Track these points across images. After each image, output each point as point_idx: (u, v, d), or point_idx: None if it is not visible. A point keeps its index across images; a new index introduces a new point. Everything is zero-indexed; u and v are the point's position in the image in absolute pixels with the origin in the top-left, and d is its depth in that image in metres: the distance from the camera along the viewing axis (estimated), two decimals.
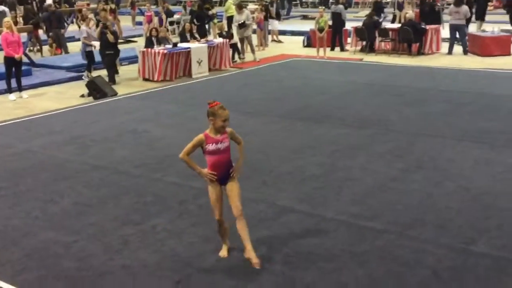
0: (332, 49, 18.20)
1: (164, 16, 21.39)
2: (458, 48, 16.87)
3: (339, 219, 5.73)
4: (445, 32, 18.16)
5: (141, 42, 18.77)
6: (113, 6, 22.15)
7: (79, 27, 17.09)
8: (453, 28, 16.80)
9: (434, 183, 6.64)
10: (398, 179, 6.79)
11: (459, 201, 6.10)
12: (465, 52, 16.73)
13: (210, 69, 14.99)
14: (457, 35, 16.88)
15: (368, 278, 4.62)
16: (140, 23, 24.08)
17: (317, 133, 8.85)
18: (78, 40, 14.72)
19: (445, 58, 16.32)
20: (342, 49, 18.34)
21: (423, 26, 16.96)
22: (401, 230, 5.46)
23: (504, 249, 5.03)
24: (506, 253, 4.96)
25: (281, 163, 7.48)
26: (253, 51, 16.85)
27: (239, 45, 16.99)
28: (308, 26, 21.09)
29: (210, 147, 4.71)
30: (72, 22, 23.20)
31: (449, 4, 20.74)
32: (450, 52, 16.87)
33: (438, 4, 19.66)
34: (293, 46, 19.43)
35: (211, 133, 4.73)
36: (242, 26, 16.55)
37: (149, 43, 14.65)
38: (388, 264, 4.84)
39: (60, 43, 18.25)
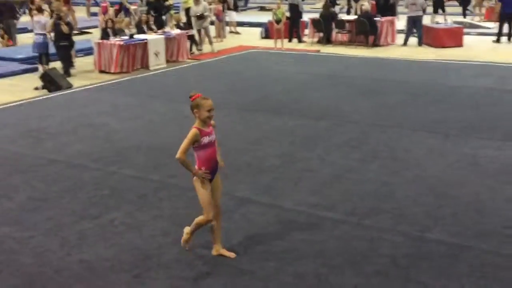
0: (290, 41, 18.28)
1: (129, 6, 20.97)
2: (412, 40, 17.17)
3: (298, 210, 5.79)
4: (399, 23, 18.46)
5: (96, 33, 18.44)
6: None
7: (32, 17, 16.66)
8: (411, 20, 17.09)
9: (390, 172, 6.77)
10: (355, 169, 6.89)
11: (415, 190, 6.23)
12: (420, 43, 17.05)
13: (167, 61, 14.87)
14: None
15: (327, 268, 4.69)
16: (95, 14, 23.65)
17: (276, 124, 8.90)
18: (31, 31, 14.35)
19: (400, 49, 16.59)
20: (300, 41, 18.44)
21: (376, 19, 17.20)
22: (359, 219, 5.55)
23: (458, 236, 5.18)
24: (460, 240, 5.10)
25: (240, 155, 7.49)
26: (211, 42, 16.79)
27: (196, 36, 16.89)
28: (265, 17, 21.11)
29: (205, 140, 4.56)
30: (25, 13, 22.62)
31: None
32: (405, 43, 17.16)
33: None
34: (251, 38, 19.42)
35: (200, 126, 4.58)
36: (201, 17, 16.45)
37: (104, 35, 14.42)
38: (346, 253, 4.91)
39: (11, 34, 17.77)
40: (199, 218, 4.72)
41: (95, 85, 12.24)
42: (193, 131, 4.54)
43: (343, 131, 8.44)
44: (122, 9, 20.52)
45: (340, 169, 6.90)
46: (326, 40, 17.81)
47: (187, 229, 4.87)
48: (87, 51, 15.98)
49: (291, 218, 5.61)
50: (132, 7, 22.51)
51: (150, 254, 4.96)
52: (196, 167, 4.61)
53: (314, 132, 8.43)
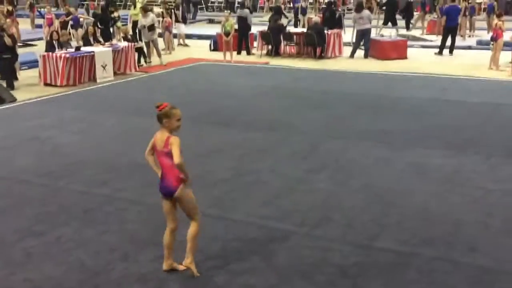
0: (239, 53, 18.36)
1: (81, 16, 20.58)
2: (358, 52, 17.53)
3: (248, 221, 5.79)
4: (346, 36, 18.83)
5: (41, 45, 18.06)
6: (10, 8, 21.16)
7: None
8: (360, 34, 17.47)
9: (339, 182, 6.87)
10: (305, 180, 6.95)
11: (363, 199, 6.33)
12: (366, 55, 17.42)
13: (115, 74, 14.67)
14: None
15: (278, 279, 4.70)
16: (40, 26, 23.19)
17: (226, 137, 8.90)
18: None
19: (347, 61, 16.89)
20: (248, 53, 18.55)
21: (325, 31, 17.51)
22: (308, 229, 5.60)
23: (406, 244, 5.29)
24: (407, 248, 5.21)
25: (190, 168, 7.40)
26: (159, 55, 16.68)
27: (145, 49, 16.76)
28: (214, 30, 21.15)
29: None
30: None
31: (350, 10, 21.53)
32: (352, 56, 17.50)
33: (340, 9, 20.35)
34: (200, 50, 19.41)
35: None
36: (151, 29, 16.32)
37: (49, 47, 14.13)
38: (297, 264, 4.94)
39: None
40: (193, 230, 4.67)
41: (40, 99, 11.97)
42: (177, 138, 4.51)
43: (292, 142, 8.52)
44: (72, 20, 20.19)
45: (290, 181, 6.95)
46: (275, 52, 17.99)
47: (187, 261, 4.71)
48: (32, 64, 15.62)
49: (242, 230, 5.61)
50: (81, 18, 22.21)
51: (98, 270, 4.86)
52: (175, 174, 4.59)
53: (264, 144, 8.47)
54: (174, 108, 4.59)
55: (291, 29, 19.40)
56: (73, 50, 14.08)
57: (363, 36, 17.45)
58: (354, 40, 17.82)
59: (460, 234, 5.48)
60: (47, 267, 4.92)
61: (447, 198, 6.35)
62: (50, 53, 13.67)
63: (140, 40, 17.17)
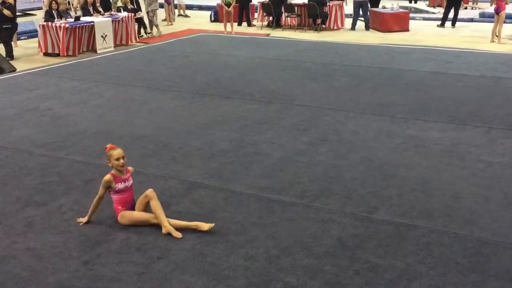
0: (239, 24, 18.24)
1: None
2: (360, 24, 17.40)
3: (248, 193, 5.81)
4: (348, 8, 18.66)
5: (40, 15, 17.91)
6: None
7: None
8: (357, 5, 17.30)
9: (339, 155, 6.87)
10: (305, 153, 6.96)
11: (363, 172, 6.35)
12: (367, 28, 17.29)
13: (115, 44, 14.58)
14: (361, 12, 17.40)
15: (277, 250, 4.74)
16: None
17: (226, 108, 8.88)
18: None
19: (348, 33, 16.78)
20: (249, 24, 18.42)
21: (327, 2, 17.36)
22: (308, 201, 5.62)
23: (404, 216, 5.31)
24: (406, 220, 5.24)
25: (189, 139, 7.45)
26: (156, 25, 16.56)
27: (145, 19, 16.62)
28: (215, 0, 20.96)
29: (120, 186, 5.06)
30: None
31: None
32: (353, 28, 17.38)
33: None
34: (200, 21, 19.27)
35: (116, 173, 5.07)
36: None
37: (48, 17, 14.02)
38: (296, 235, 4.97)
39: None
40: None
41: (40, 69, 11.92)
42: (106, 177, 5.03)
43: (293, 114, 8.51)
44: None
45: (290, 152, 6.95)
46: (276, 24, 17.85)
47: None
48: (31, 34, 15.52)
49: (242, 202, 5.63)
50: None
51: (99, 240, 4.90)
52: (114, 205, 5.13)
53: (264, 116, 8.46)
54: (113, 148, 5.06)
55: (292, 0, 19.21)
56: (72, 20, 13.96)
57: (360, 7, 17.28)
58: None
59: (459, 207, 5.50)
60: (48, 237, 4.96)
61: (447, 171, 6.37)
62: (50, 22, 13.57)
63: (140, 10, 17.01)
